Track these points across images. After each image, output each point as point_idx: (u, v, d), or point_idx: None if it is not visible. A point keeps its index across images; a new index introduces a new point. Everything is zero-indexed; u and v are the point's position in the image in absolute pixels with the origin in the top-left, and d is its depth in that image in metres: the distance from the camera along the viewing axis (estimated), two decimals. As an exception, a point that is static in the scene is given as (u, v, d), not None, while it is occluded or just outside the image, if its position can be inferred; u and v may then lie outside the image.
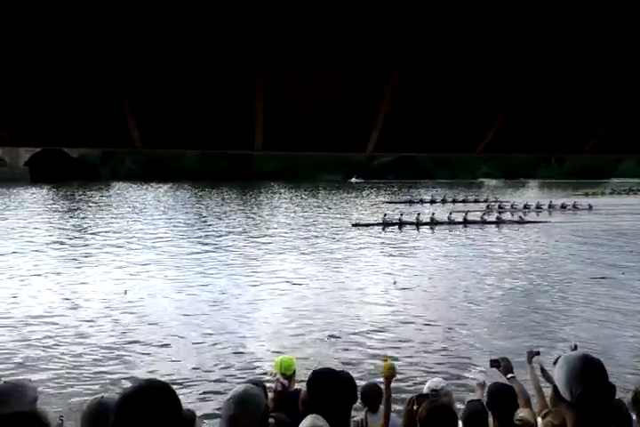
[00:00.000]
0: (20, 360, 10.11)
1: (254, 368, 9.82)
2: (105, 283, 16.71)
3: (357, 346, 11.22)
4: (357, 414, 4.05)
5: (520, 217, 34.48)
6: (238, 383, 2.86)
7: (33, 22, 1.29)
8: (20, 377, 3.64)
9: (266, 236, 27.44)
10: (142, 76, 1.50)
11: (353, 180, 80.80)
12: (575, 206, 41.71)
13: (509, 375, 4.04)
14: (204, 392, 8.85)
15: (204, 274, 18.34)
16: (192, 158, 79.73)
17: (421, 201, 46.96)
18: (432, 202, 46.35)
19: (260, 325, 12.74)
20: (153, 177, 73.50)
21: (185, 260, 21.00)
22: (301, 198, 51.37)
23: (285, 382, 3.91)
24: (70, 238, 26.18)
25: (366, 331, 12.15)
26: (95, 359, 10.27)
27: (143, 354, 10.68)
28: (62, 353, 10.59)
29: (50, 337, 11.51)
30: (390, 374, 3.84)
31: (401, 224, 31.19)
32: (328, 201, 48.34)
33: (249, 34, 1.35)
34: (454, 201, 46.79)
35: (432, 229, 31.02)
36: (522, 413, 3.36)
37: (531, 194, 57.33)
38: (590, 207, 41.27)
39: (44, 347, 10.92)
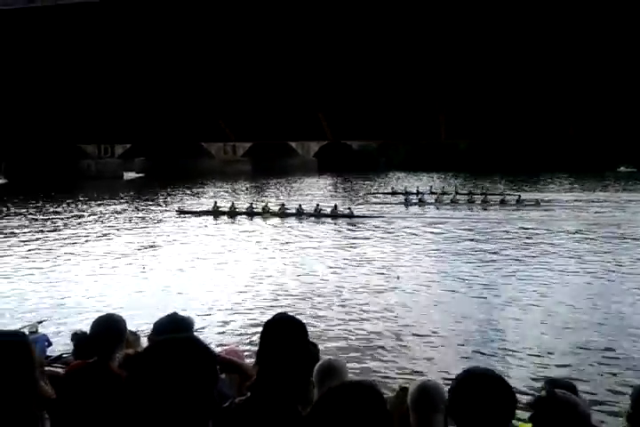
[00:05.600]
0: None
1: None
2: (377, 264, 17.70)
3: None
4: None
5: (349, 210, 30.03)
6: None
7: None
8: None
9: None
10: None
11: (622, 169, 74.57)
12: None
13: None
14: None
15: (473, 264, 18.04)
16: (460, 149, 79.36)
17: (406, 193, 42.14)
18: (418, 193, 41.27)
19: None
20: (425, 167, 75.16)
21: (451, 247, 21.17)
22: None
23: None
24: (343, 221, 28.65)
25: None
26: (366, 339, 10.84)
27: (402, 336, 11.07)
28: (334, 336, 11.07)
29: (320, 315, 12.32)
30: None
31: (233, 213, 31.21)
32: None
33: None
34: (443, 193, 40.61)
35: (265, 218, 29.93)
36: None
37: None
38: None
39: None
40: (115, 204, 34.87)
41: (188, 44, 1.44)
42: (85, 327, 3.24)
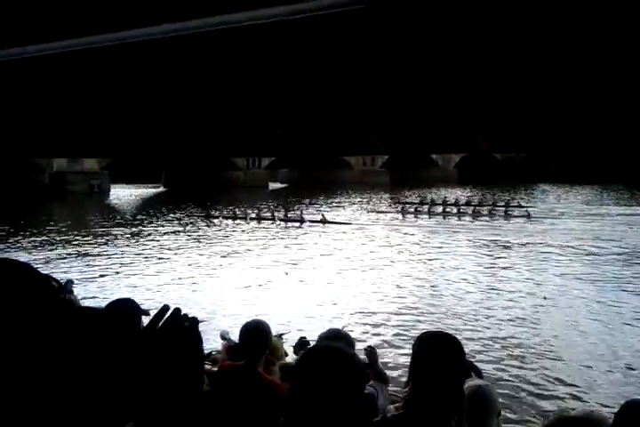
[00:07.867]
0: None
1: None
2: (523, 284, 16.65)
3: None
4: None
5: (322, 216, 31.29)
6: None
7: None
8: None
9: None
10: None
11: None
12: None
13: None
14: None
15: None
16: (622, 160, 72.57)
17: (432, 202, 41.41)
18: (444, 203, 40.30)
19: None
20: (577, 179, 70.06)
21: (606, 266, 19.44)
22: None
23: None
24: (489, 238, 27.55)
25: None
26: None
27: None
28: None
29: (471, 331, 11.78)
30: None
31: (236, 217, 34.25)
32: None
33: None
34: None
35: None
36: None
37: None
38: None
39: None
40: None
41: (340, 59, 1.47)
42: (232, 327, 3.45)
